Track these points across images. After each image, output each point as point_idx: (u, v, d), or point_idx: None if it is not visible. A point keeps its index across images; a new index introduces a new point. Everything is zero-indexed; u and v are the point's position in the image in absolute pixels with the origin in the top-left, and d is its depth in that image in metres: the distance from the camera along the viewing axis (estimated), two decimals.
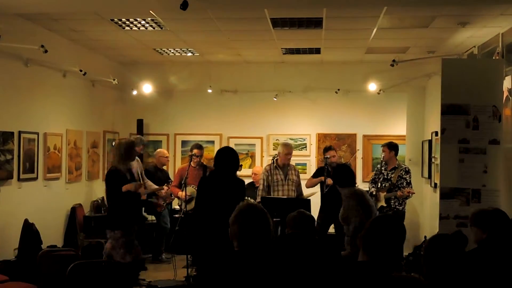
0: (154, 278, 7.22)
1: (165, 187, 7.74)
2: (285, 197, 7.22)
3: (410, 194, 7.31)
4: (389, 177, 7.43)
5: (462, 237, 2.93)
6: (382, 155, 7.65)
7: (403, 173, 7.45)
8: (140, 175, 7.61)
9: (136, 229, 6.05)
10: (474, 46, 7.47)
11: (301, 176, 7.70)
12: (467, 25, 6.66)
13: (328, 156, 7.70)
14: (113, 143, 8.56)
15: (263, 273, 2.72)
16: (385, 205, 7.34)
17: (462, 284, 2.77)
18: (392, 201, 7.34)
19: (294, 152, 9.36)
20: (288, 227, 4.31)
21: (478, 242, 3.73)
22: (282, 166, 7.27)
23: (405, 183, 7.38)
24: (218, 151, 5.55)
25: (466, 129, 5.78)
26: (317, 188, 8.02)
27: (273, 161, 7.27)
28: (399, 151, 7.71)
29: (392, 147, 7.61)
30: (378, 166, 7.74)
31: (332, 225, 7.83)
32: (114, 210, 5.96)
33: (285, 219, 4.55)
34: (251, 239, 2.80)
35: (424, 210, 8.99)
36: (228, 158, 5.41)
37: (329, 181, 7.46)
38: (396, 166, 7.53)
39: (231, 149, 5.64)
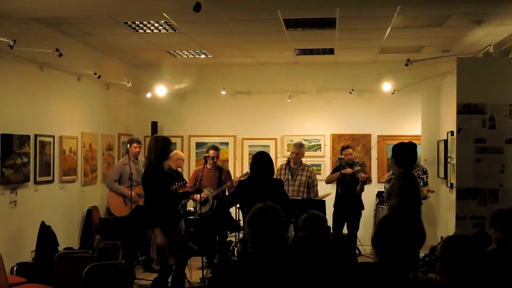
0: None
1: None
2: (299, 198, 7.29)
3: (428, 194, 7.27)
4: None
5: (486, 236, 2.88)
6: None
7: (420, 173, 7.42)
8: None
9: (177, 229, 5.58)
10: (490, 45, 7.39)
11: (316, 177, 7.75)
12: (482, 23, 6.59)
13: (343, 157, 7.77)
14: (128, 145, 8.58)
15: (276, 274, 2.71)
16: None
17: (481, 284, 2.73)
18: None
19: (308, 153, 9.42)
20: (300, 230, 4.30)
21: (498, 242, 3.68)
22: (293, 166, 7.40)
23: (421, 183, 7.34)
24: (254, 157, 5.83)
25: (483, 128, 5.74)
26: (331, 189, 8.03)
27: (287, 161, 7.58)
28: None
29: None
30: None
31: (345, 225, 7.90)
32: (157, 209, 5.45)
33: (298, 220, 4.55)
34: (262, 241, 2.79)
35: (441, 211, 8.92)
36: (264, 163, 5.74)
37: (348, 170, 7.54)
38: (413, 166, 7.49)
39: (266, 154, 5.90)
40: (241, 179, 6.93)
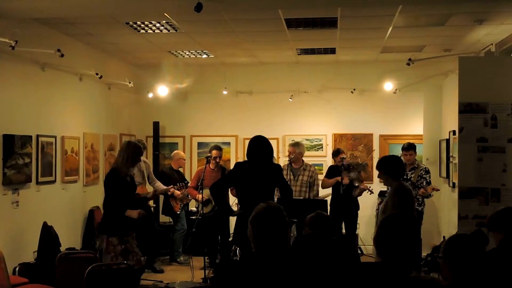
0: (172, 280, 7.25)
1: (171, 188, 7.68)
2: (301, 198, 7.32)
3: (432, 193, 7.26)
4: (408, 177, 7.38)
5: (483, 236, 2.88)
6: (402, 158, 7.68)
7: (423, 173, 7.40)
8: (147, 176, 7.64)
9: (134, 236, 5.71)
10: (492, 44, 7.38)
11: (318, 176, 7.79)
12: (484, 22, 6.58)
13: (345, 156, 7.79)
14: None
15: (280, 274, 2.71)
16: None
17: (483, 284, 2.73)
18: None
19: (310, 153, 9.44)
20: (306, 228, 4.30)
21: (498, 242, 3.68)
22: (295, 166, 7.43)
23: (425, 183, 7.33)
24: (251, 141, 5.56)
25: (485, 127, 5.73)
26: (330, 189, 8.05)
27: (289, 162, 7.60)
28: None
29: (416, 148, 7.62)
30: None
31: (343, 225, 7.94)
32: (111, 214, 5.64)
33: (301, 220, 4.55)
34: (266, 241, 2.79)
35: (443, 210, 8.90)
36: (261, 147, 5.46)
37: (345, 180, 7.55)
38: (416, 166, 7.49)
39: (264, 138, 5.58)
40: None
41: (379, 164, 5.44)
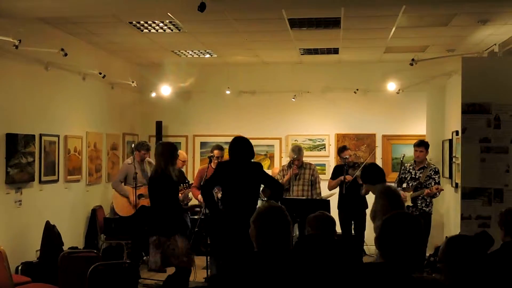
0: None
1: None
2: (304, 197, 7.32)
3: (438, 193, 7.24)
4: (417, 176, 7.34)
5: (488, 237, 2.87)
6: (407, 155, 7.67)
7: (432, 173, 7.32)
8: None
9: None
10: (495, 44, 7.37)
11: (320, 177, 7.78)
12: (487, 23, 6.57)
13: (347, 156, 7.76)
14: (132, 145, 8.58)
15: (282, 274, 2.71)
16: (411, 204, 7.20)
17: (484, 285, 2.72)
18: (419, 202, 7.22)
19: (313, 153, 9.45)
20: (309, 228, 4.31)
21: (502, 243, 3.67)
22: (296, 166, 7.45)
23: (433, 183, 7.25)
24: (232, 141, 5.75)
25: (488, 128, 5.72)
26: (336, 189, 8.03)
27: (290, 162, 7.60)
28: None
29: (428, 146, 7.57)
30: (406, 164, 7.61)
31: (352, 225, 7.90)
32: (176, 215, 5.69)
33: (303, 219, 4.56)
34: (269, 241, 2.79)
35: (446, 211, 8.89)
36: (242, 146, 5.65)
37: (348, 177, 7.54)
38: (425, 165, 7.43)
39: (245, 138, 5.80)
40: None
41: (363, 178, 5.59)
